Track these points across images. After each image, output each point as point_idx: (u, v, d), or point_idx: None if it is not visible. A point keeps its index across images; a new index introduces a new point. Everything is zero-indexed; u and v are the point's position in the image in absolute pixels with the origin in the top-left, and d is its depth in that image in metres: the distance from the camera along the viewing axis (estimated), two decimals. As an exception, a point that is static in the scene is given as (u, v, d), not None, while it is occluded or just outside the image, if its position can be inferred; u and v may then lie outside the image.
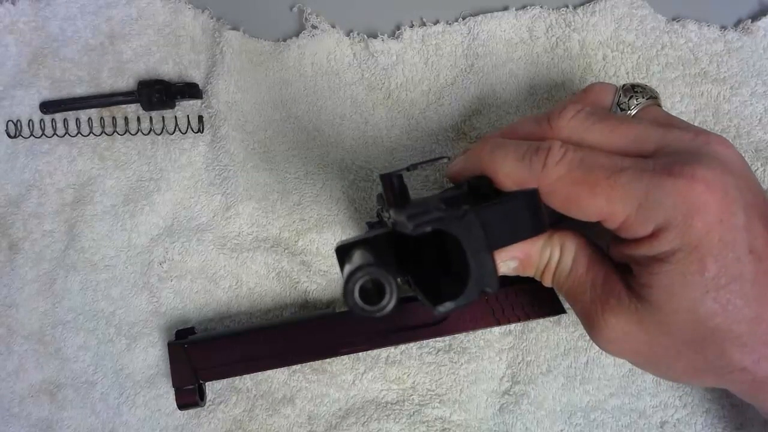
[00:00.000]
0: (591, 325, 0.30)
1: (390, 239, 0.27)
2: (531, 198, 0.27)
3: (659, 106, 0.32)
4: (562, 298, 0.37)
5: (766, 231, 0.27)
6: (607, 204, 0.27)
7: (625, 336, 0.29)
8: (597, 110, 0.30)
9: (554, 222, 0.30)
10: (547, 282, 0.32)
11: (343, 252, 0.27)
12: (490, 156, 0.29)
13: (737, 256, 0.26)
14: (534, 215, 0.27)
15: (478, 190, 0.30)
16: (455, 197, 0.29)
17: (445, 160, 0.31)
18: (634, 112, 0.32)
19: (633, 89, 0.32)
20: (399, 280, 0.27)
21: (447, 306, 0.23)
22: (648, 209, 0.26)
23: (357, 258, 0.24)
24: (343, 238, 0.41)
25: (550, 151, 0.28)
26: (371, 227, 0.35)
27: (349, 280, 0.21)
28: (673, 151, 0.27)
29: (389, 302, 0.21)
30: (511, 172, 0.29)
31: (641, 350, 0.29)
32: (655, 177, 0.26)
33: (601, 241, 0.31)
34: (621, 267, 0.30)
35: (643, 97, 0.32)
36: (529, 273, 0.32)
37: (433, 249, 0.27)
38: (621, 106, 0.32)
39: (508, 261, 0.31)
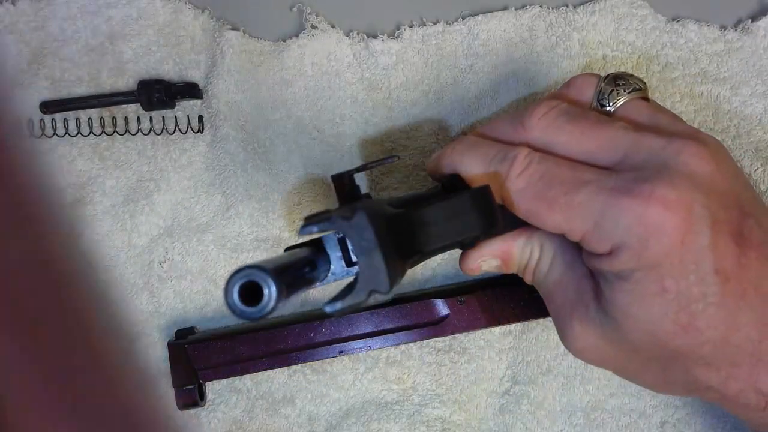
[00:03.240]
0: (560, 330, 0.30)
1: None
2: (480, 196, 0.27)
3: (645, 97, 0.31)
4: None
5: (738, 248, 0.25)
6: (564, 221, 0.27)
7: (592, 347, 0.29)
8: (571, 109, 0.29)
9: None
10: (528, 280, 0.32)
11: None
12: (460, 158, 0.30)
13: (700, 277, 0.25)
14: (482, 213, 0.27)
15: (453, 189, 0.30)
16: (419, 197, 0.30)
17: (396, 159, 0.32)
18: (616, 106, 0.30)
19: (615, 81, 0.30)
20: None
21: (335, 306, 0.22)
22: (603, 229, 0.26)
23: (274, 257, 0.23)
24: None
25: (514, 161, 0.28)
26: None
27: (227, 282, 0.21)
28: (639, 162, 0.26)
29: (267, 305, 0.20)
30: (476, 178, 0.29)
31: (608, 361, 0.29)
32: (612, 196, 0.25)
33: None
34: (595, 275, 0.29)
35: (625, 91, 0.30)
36: (512, 270, 0.32)
37: None
38: (602, 101, 0.30)
39: (490, 259, 0.31)
